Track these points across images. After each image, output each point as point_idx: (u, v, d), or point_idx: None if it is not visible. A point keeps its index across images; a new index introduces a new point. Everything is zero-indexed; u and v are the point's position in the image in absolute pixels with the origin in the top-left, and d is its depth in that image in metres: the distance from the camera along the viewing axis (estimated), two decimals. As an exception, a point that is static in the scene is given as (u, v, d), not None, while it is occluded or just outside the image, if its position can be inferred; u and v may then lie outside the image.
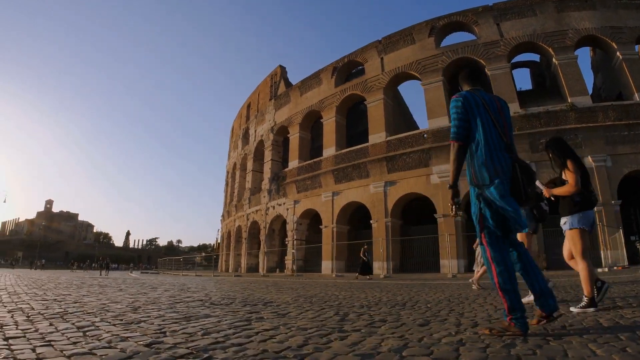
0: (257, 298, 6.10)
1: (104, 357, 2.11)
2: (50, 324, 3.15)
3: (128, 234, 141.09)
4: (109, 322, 3.34)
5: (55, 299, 5.37)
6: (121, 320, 3.48)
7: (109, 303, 5.04)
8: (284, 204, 30.41)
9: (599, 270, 14.21)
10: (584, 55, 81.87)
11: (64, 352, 2.20)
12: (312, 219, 29.11)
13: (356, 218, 27.15)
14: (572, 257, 4.40)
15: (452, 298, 5.81)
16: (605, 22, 20.91)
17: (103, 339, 2.57)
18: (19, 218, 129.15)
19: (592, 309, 3.80)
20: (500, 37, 22.14)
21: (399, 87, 28.35)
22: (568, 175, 4.07)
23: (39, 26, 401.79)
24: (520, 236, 4.38)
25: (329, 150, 27.40)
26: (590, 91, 22.71)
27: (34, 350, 2.24)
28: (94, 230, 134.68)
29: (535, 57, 28.92)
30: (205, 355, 2.15)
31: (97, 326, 3.13)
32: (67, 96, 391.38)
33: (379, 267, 21.45)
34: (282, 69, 36.21)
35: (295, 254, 23.74)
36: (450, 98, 17.81)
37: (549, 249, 17.76)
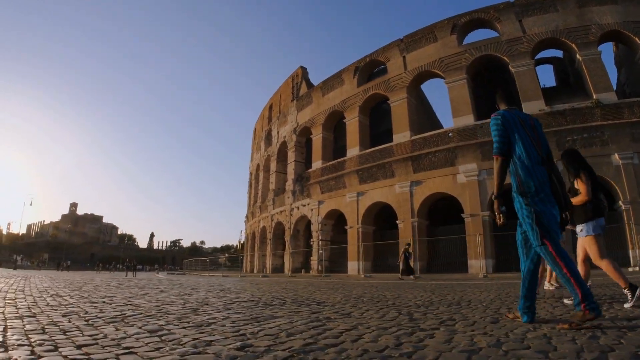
0: (306, 298, 6.24)
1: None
2: (116, 329, 3.07)
3: (152, 235, 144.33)
4: (177, 325, 3.30)
5: (104, 302, 5.35)
6: (188, 322, 3.47)
7: (162, 305, 5.04)
8: (308, 204, 30.94)
9: (629, 269, 14.20)
10: (608, 51, 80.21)
11: (154, 360, 2.18)
12: (336, 220, 29.58)
13: (381, 218, 27.44)
14: (583, 260, 4.88)
15: (502, 297, 6.11)
16: (627, 17, 20.63)
17: (185, 343, 2.53)
18: (44, 221, 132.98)
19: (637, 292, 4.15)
20: (523, 34, 22.12)
21: (421, 86, 28.44)
22: (580, 185, 4.54)
23: (63, 32, 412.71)
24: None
25: (353, 151, 27.79)
26: (614, 87, 22.44)
27: (117, 359, 2.15)
28: (119, 232, 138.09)
29: (558, 53, 28.63)
30: (311, 358, 2.18)
31: (169, 330, 3.07)
32: (92, 100, 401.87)
33: (406, 267, 21.75)
34: (303, 69, 36.76)
35: (323, 254, 24.10)
36: (474, 96, 18.06)
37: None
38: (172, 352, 2.27)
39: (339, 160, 29.02)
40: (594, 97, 19.75)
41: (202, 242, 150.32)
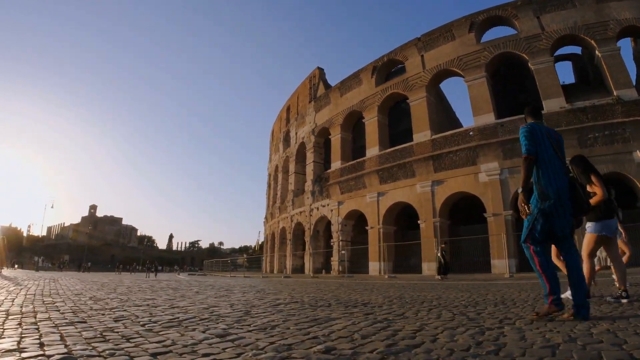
0: (348, 299, 6.32)
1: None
2: (180, 334, 2.99)
3: (171, 236, 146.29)
4: (241, 329, 3.27)
5: (147, 304, 5.34)
6: (249, 325, 3.47)
7: (209, 307, 5.05)
8: (328, 205, 31.39)
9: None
10: (626, 47, 78.51)
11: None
12: (356, 220, 29.92)
13: (402, 218, 27.68)
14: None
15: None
16: (645, 12, 20.53)
17: (264, 348, 2.50)
18: (64, 223, 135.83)
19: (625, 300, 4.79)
20: (542, 31, 22.17)
21: (439, 85, 28.59)
22: (595, 188, 4.94)
23: (81, 37, 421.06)
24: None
25: (373, 150, 28.14)
26: (634, 83, 22.28)
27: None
28: (138, 234, 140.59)
29: (577, 50, 28.52)
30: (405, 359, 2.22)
31: (236, 334, 3.03)
32: (113, 104, 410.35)
33: (428, 267, 22.04)
34: (321, 70, 37.20)
35: (345, 254, 24.47)
36: (494, 94, 18.23)
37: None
38: (258, 358, 2.24)
39: (358, 160, 29.45)
40: (614, 93, 19.73)
41: (221, 243, 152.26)
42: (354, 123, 32.28)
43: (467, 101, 24.12)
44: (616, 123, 19.01)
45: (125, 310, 4.63)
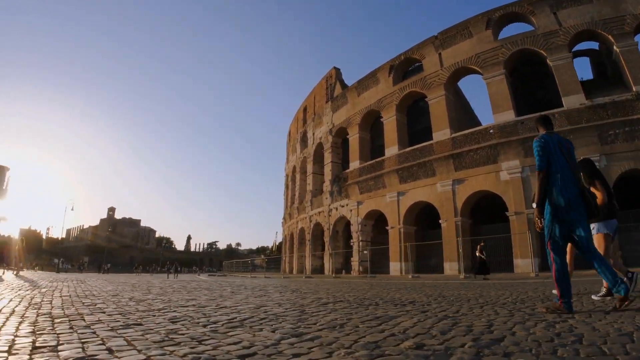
0: (391, 298, 6.46)
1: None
2: (252, 335, 2.95)
3: (189, 238, 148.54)
4: (310, 328, 3.25)
5: (193, 305, 5.32)
6: (315, 324, 3.49)
7: (260, 307, 5.03)
8: (347, 205, 31.75)
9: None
10: None
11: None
12: (376, 220, 30.18)
13: (422, 218, 27.83)
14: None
15: (582, 292, 6.71)
16: (662, 6, 20.37)
17: (349, 346, 2.47)
18: (83, 225, 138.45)
19: (609, 297, 5.20)
20: (559, 26, 22.17)
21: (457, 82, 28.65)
22: (596, 192, 5.35)
23: (98, 40, 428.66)
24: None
25: (392, 150, 28.40)
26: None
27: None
28: (156, 236, 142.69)
29: (594, 45, 28.26)
30: (502, 352, 2.29)
31: (309, 333, 3.01)
32: (129, 107, 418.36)
33: (450, 267, 22.20)
34: (337, 70, 37.56)
35: (367, 254, 24.76)
36: (514, 91, 18.42)
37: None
38: (353, 356, 2.22)
39: (377, 159, 29.77)
40: (634, 89, 19.62)
41: (238, 244, 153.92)
42: (371, 122, 32.61)
43: (483, 98, 24.18)
44: (636, 119, 19.00)
45: (174, 311, 4.56)
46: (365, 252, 26.48)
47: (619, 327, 3.00)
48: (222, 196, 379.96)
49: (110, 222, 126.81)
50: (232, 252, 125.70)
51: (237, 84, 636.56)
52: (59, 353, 2.29)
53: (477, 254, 16.93)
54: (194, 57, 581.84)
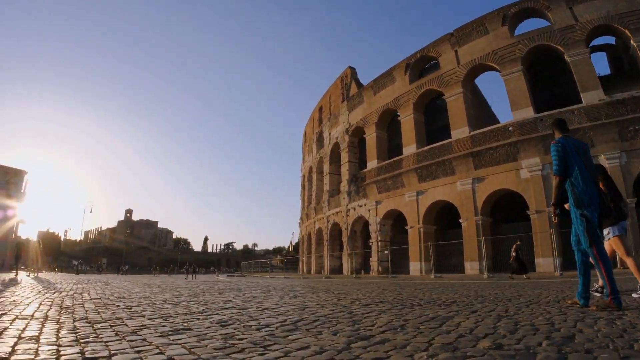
0: (430, 298, 6.55)
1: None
2: (316, 338, 2.92)
3: (206, 239, 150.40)
4: (371, 330, 3.25)
5: (233, 307, 5.30)
6: (373, 326, 3.51)
7: (303, 309, 5.03)
8: (365, 205, 32.00)
9: None
10: None
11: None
12: (395, 220, 30.34)
13: (441, 217, 27.92)
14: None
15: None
16: (677, -1, 20.14)
17: (426, 349, 2.48)
18: (100, 227, 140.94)
19: None
20: (575, 22, 22.06)
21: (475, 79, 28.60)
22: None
23: (112, 43, 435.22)
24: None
25: (410, 149, 28.56)
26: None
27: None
28: (173, 237, 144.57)
29: (611, 40, 27.99)
30: (583, 349, 2.40)
31: (373, 335, 3.00)
32: (147, 110, 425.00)
33: (471, 267, 22.30)
34: (352, 70, 37.80)
35: (388, 254, 24.93)
36: (531, 88, 18.47)
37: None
38: (437, 358, 2.25)
39: (395, 159, 29.94)
40: (652, 84, 19.44)
41: (255, 245, 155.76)
42: (388, 121, 32.82)
43: (499, 96, 24.16)
44: (655, 115, 18.85)
45: (217, 314, 4.47)
46: (385, 252, 26.62)
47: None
48: (239, 197, 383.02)
49: (128, 224, 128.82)
50: (248, 253, 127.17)
51: (253, 87, 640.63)
52: (117, 365, 2.19)
53: (512, 253, 16.75)
54: (211, 60, 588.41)
